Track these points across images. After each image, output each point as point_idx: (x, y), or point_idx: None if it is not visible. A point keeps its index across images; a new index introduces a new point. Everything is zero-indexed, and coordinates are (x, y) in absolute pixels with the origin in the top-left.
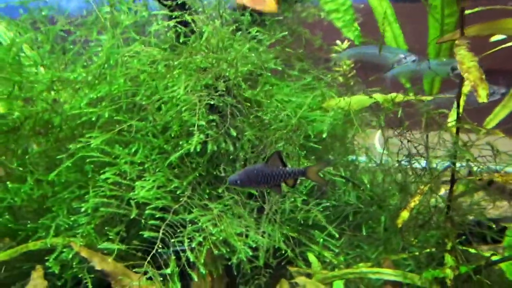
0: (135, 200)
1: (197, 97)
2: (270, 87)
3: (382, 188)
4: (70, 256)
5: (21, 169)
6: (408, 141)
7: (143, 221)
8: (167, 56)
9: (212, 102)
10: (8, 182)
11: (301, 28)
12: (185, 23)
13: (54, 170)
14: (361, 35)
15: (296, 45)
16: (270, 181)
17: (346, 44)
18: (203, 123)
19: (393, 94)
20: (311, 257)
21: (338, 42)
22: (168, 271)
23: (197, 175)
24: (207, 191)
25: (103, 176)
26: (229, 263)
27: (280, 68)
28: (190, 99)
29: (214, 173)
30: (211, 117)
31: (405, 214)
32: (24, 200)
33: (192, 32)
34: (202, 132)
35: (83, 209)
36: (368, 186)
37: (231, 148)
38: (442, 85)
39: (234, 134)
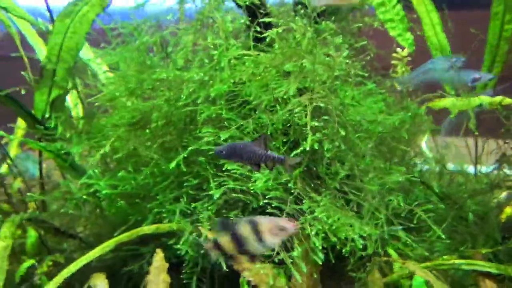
0: (253, 190)
1: (307, 99)
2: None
3: (453, 189)
4: (202, 239)
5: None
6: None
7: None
8: (274, 60)
9: (321, 104)
10: (121, 172)
11: (363, 37)
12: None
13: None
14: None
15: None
16: (252, 158)
17: (406, 51)
18: (316, 123)
19: (501, 97)
20: (390, 250)
21: (398, 49)
22: (295, 253)
23: (301, 170)
24: (312, 185)
25: (228, 167)
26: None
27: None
28: (299, 101)
29: (314, 168)
30: (324, 117)
31: (508, 210)
32: (134, 188)
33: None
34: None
35: (215, 196)
36: (438, 188)
37: (343, 147)
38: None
39: (343, 133)
